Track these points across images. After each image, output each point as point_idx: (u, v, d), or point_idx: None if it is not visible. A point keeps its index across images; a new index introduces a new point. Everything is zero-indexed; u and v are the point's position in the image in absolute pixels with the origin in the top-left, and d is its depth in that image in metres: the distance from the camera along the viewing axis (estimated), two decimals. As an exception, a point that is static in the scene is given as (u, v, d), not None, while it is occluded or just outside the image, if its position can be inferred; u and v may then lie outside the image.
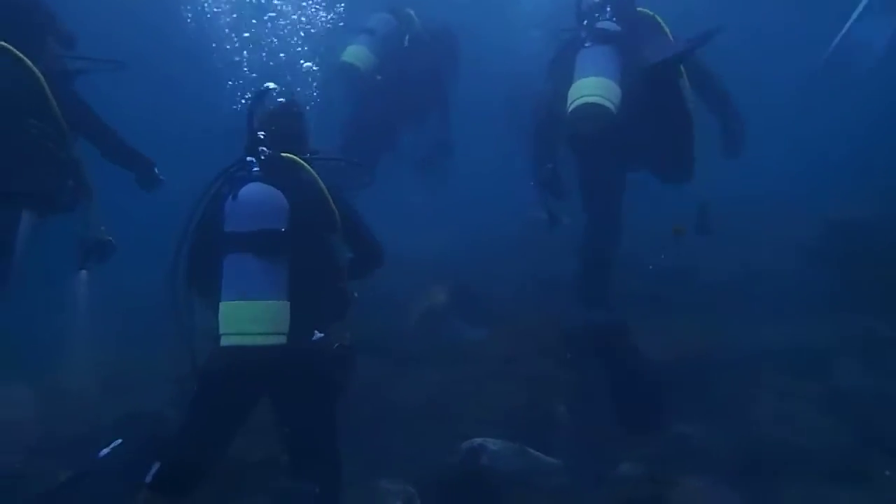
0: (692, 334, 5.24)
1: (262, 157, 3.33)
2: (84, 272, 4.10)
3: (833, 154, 9.72)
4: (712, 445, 4.34)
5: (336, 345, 3.39)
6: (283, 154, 3.37)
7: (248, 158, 3.34)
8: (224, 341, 3.08)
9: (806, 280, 6.07)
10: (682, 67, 4.32)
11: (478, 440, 4.15)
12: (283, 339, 3.07)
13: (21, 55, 3.55)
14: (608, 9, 4.64)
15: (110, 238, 4.08)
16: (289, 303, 3.12)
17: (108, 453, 3.30)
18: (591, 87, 4.26)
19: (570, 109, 4.30)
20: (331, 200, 3.33)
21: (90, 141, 4.00)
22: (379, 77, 6.35)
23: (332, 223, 3.34)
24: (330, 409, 3.36)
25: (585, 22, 4.69)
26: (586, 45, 4.45)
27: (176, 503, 3.10)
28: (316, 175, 3.35)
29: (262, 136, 3.41)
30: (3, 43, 3.55)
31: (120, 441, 3.32)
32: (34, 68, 3.56)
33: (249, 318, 3.05)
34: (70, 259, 4.10)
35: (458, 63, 6.89)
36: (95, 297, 4.38)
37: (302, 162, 3.37)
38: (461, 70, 6.96)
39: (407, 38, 6.48)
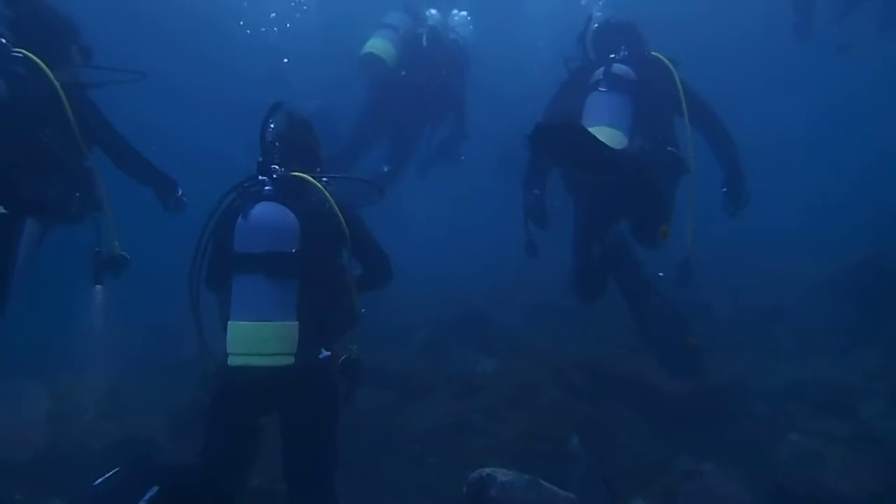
0: (709, 369, 5.05)
1: (275, 176, 3.33)
2: (99, 287, 4.05)
3: (840, 191, 9.63)
4: (731, 484, 4.13)
5: (343, 357, 3.39)
6: (294, 173, 3.36)
7: (261, 178, 3.34)
8: (232, 361, 3.10)
9: (822, 315, 5.91)
10: (684, 106, 4.28)
11: (486, 470, 3.96)
12: (290, 360, 3.10)
13: (40, 63, 3.57)
14: (623, 50, 4.53)
15: (124, 253, 4.04)
16: (297, 324, 3.14)
17: (104, 482, 3.17)
18: (603, 139, 4.07)
19: None
20: (342, 219, 3.32)
21: (106, 153, 3.96)
22: (403, 73, 6.30)
23: (343, 241, 3.35)
24: (333, 428, 3.34)
25: (597, 59, 4.58)
26: (601, 88, 4.32)
27: None
28: (327, 194, 3.33)
29: (273, 151, 3.42)
30: (23, 51, 3.58)
31: (116, 470, 3.20)
32: (52, 77, 3.58)
33: (257, 340, 3.07)
34: (83, 273, 4.06)
35: (470, 66, 6.89)
36: (110, 312, 4.30)
37: (313, 181, 3.35)
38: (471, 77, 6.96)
39: (425, 37, 6.42)
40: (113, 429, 5.10)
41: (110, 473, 3.17)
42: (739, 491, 4.09)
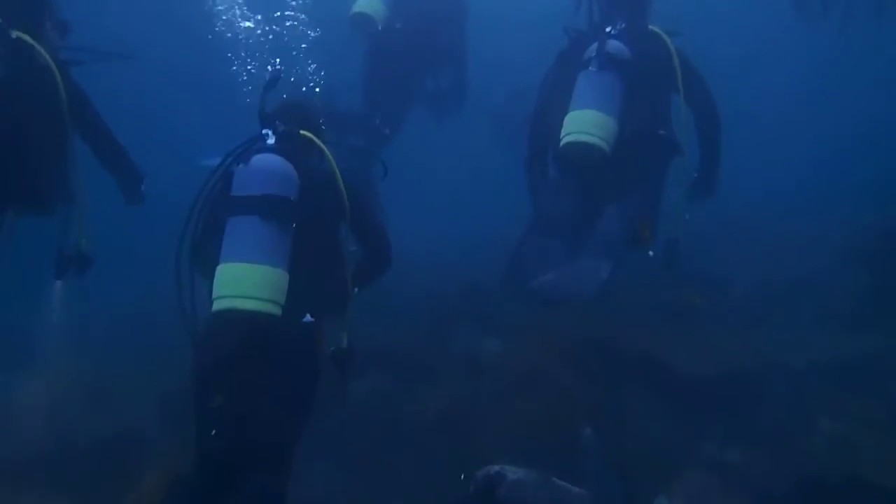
0: (731, 348, 4.72)
1: (279, 131, 3.28)
2: (59, 283, 3.88)
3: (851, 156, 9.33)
4: (759, 476, 3.86)
5: (332, 348, 3.25)
6: (301, 132, 3.31)
7: (264, 131, 3.28)
8: (216, 305, 2.94)
9: (842, 285, 5.56)
10: (679, 84, 4.11)
11: (495, 467, 3.67)
12: (277, 310, 2.94)
13: (36, 45, 3.37)
14: (622, 25, 4.27)
15: (89, 251, 3.79)
16: (288, 274, 3.00)
17: None
18: (588, 124, 4.01)
19: (562, 142, 4.07)
20: (342, 187, 3.24)
21: (85, 138, 3.73)
22: (398, 25, 6.11)
23: (341, 210, 3.25)
24: (306, 403, 3.17)
25: (593, 32, 4.32)
26: (592, 68, 4.10)
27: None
28: (331, 158, 3.27)
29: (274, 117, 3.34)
30: (18, 33, 3.36)
31: None
32: (49, 58, 3.39)
33: (245, 281, 2.92)
34: (47, 268, 3.83)
35: (469, 16, 6.61)
36: (70, 307, 3.98)
37: (319, 142, 3.30)
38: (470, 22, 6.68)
39: None
40: (99, 422, 4.80)
41: None
42: (767, 482, 3.79)
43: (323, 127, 3.56)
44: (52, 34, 3.67)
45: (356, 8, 6.05)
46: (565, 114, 4.10)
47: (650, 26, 4.30)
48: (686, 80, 4.14)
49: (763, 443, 4.02)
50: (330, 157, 3.29)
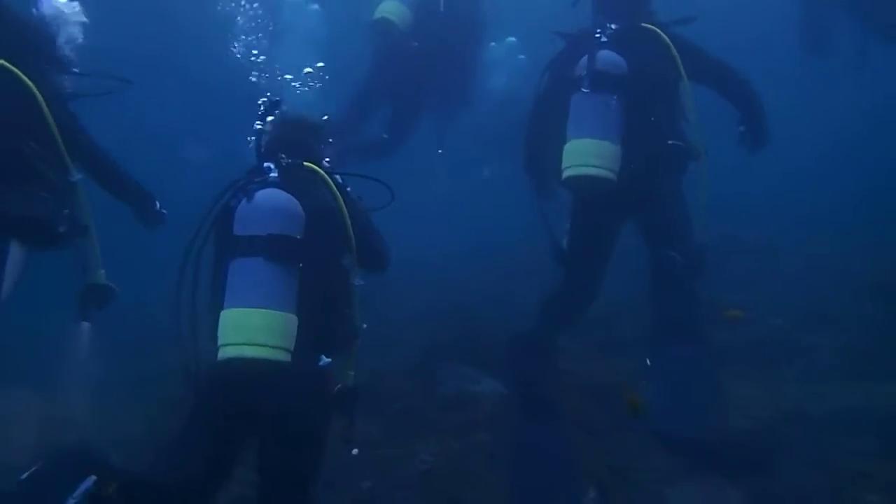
0: (749, 397, 4.33)
1: (282, 164, 3.13)
2: (85, 324, 3.71)
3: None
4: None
5: (338, 386, 3.09)
6: (305, 163, 3.17)
7: (266, 164, 3.15)
8: (222, 353, 2.80)
9: (875, 322, 5.10)
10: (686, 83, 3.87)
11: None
12: (286, 357, 2.80)
13: (21, 74, 3.33)
14: (612, 27, 3.97)
15: (109, 283, 3.73)
16: (296, 318, 2.86)
17: (29, 476, 2.86)
18: (588, 155, 3.77)
19: (564, 175, 3.84)
20: (348, 220, 3.12)
21: (85, 169, 3.66)
22: (416, 44, 5.97)
23: (348, 244, 3.15)
24: (322, 449, 3.02)
25: (582, 40, 4.03)
26: (584, 89, 3.82)
27: None
28: (336, 190, 3.15)
29: (274, 145, 3.26)
30: (2, 61, 3.33)
31: (42, 463, 2.90)
32: (34, 88, 3.35)
33: (250, 327, 2.78)
34: (69, 308, 3.73)
35: (488, 33, 6.60)
36: (95, 349, 3.84)
37: (323, 174, 3.17)
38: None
39: (443, 1, 6.02)
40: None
41: (35, 467, 2.86)
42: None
43: (326, 144, 3.48)
44: (54, 67, 3.64)
45: (380, 12, 5.89)
46: (563, 141, 3.85)
47: (642, 23, 4.00)
48: (691, 61, 3.90)
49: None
50: (334, 188, 3.15)
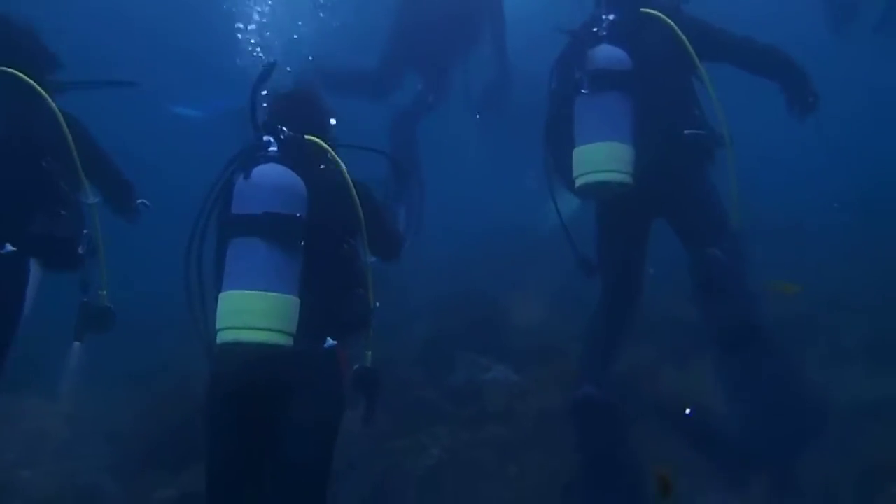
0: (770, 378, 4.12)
1: (283, 137, 2.96)
2: (78, 344, 3.55)
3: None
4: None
5: (356, 366, 2.98)
6: (307, 137, 3.00)
7: (266, 138, 2.95)
8: (221, 337, 2.69)
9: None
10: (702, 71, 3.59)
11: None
12: (287, 341, 2.69)
13: (36, 86, 3.20)
14: (610, 17, 3.70)
15: (110, 305, 3.54)
16: (298, 300, 2.73)
17: None
18: (598, 161, 3.52)
19: (577, 185, 3.61)
20: (356, 197, 2.96)
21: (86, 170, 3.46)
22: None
23: (356, 223, 3.00)
24: (333, 434, 2.88)
25: (581, 34, 3.76)
26: (584, 91, 3.58)
27: None
28: (342, 166, 3.00)
29: (274, 115, 3.06)
30: (17, 72, 3.19)
31: None
32: (51, 101, 3.23)
33: (247, 311, 2.67)
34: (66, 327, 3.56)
35: None
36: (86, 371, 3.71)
37: (328, 148, 3.01)
38: None
39: None
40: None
41: None
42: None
43: (333, 122, 3.28)
44: (46, 71, 3.47)
45: None
46: (571, 146, 3.61)
47: (643, 10, 3.71)
48: (704, 42, 3.64)
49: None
50: (340, 163, 3.02)
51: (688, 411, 3.83)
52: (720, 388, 3.91)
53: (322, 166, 3.03)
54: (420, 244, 5.80)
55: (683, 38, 3.59)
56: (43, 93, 3.23)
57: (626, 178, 3.50)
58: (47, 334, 3.48)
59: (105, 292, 3.52)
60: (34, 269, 3.26)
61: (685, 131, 3.64)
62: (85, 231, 3.40)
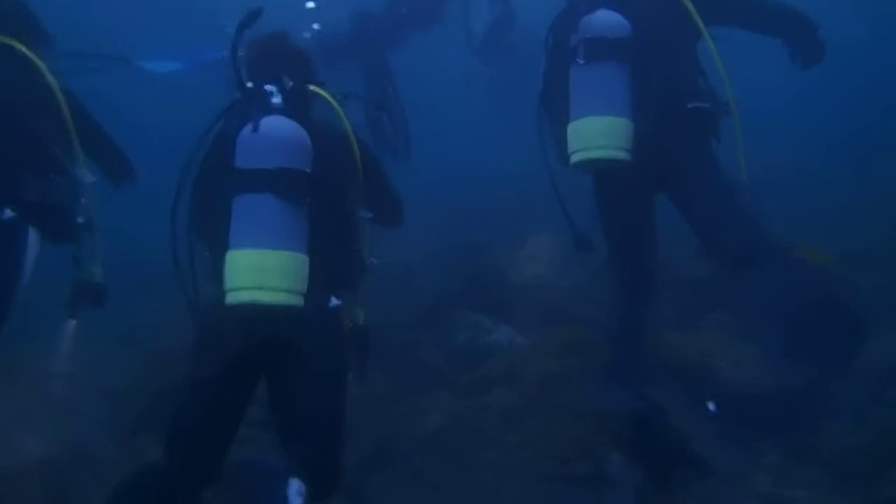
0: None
1: (286, 87, 2.86)
2: (73, 322, 3.50)
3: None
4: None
5: (350, 325, 2.93)
6: (311, 87, 2.94)
7: (268, 87, 2.84)
8: (231, 298, 2.59)
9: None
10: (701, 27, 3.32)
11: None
12: (299, 301, 2.63)
13: (34, 57, 3.17)
14: None
15: (102, 282, 3.49)
16: (308, 259, 2.67)
17: None
18: (594, 136, 3.29)
19: (571, 161, 3.39)
20: (357, 150, 2.93)
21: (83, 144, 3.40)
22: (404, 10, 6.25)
23: (355, 175, 2.94)
24: (344, 395, 2.84)
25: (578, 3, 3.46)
26: (579, 60, 3.32)
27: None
28: (343, 117, 2.95)
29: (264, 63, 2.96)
30: (13, 42, 3.17)
31: None
32: (47, 72, 3.19)
33: (263, 271, 2.59)
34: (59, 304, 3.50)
35: None
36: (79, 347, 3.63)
37: (331, 98, 2.95)
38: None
39: None
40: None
41: None
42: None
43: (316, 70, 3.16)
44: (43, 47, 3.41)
45: None
46: (566, 118, 3.38)
47: None
48: (710, 4, 3.39)
49: (832, 473, 3.31)
50: (343, 115, 2.95)
51: (711, 406, 3.63)
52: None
53: (325, 118, 2.93)
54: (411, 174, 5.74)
55: (688, 1, 3.34)
56: (38, 61, 3.17)
57: (623, 155, 3.27)
58: (43, 307, 3.39)
59: (100, 269, 3.46)
60: (33, 239, 3.20)
61: (688, 105, 3.37)
62: (83, 200, 3.33)
